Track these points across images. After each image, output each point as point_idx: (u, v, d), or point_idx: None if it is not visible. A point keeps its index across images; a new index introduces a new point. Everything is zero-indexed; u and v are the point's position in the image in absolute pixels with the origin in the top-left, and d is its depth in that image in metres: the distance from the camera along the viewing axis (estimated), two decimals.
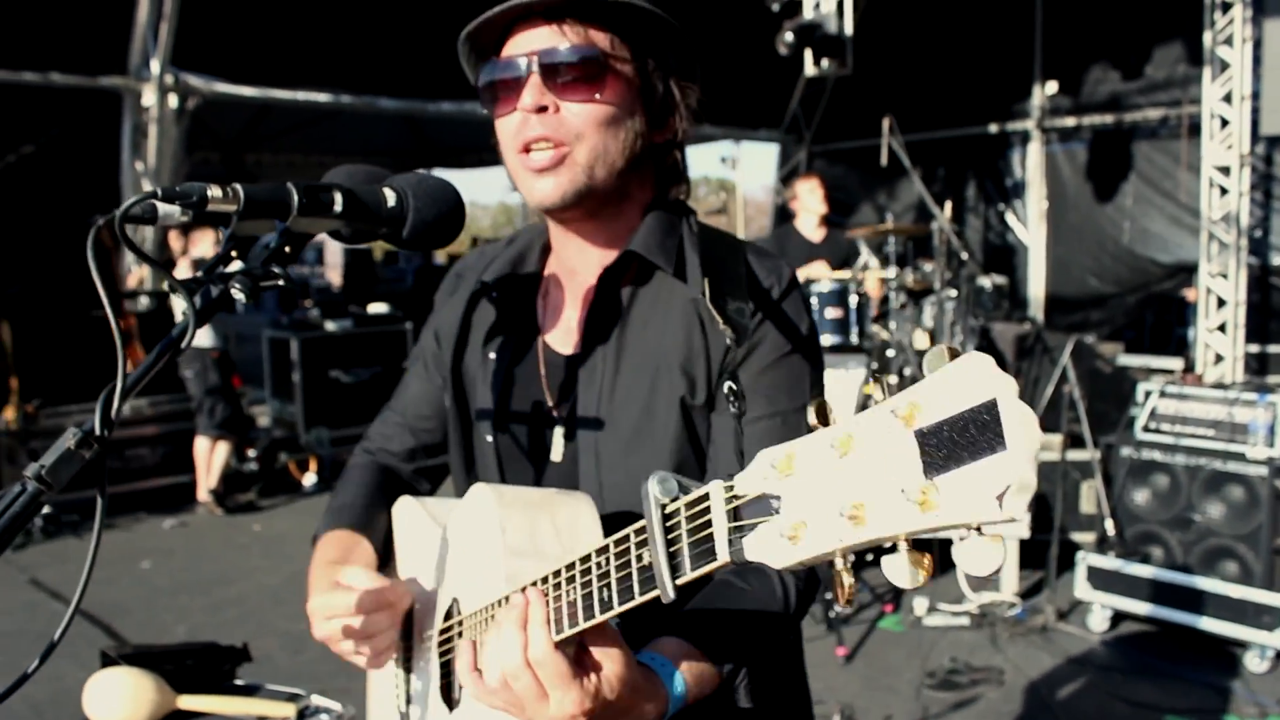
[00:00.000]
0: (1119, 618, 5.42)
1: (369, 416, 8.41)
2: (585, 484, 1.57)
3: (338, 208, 1.27)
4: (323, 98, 11.44)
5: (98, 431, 1.15)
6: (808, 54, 10.41)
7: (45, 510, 7.48)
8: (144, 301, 9.19)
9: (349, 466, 1.91)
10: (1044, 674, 4.95)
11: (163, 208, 1.20)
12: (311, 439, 8.98)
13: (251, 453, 8.82)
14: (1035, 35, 12.28)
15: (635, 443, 1.54)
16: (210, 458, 8.04)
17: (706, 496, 0.97)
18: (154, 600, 6.17)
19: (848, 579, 0.86)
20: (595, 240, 1.62)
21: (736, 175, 17.10)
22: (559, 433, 1.62)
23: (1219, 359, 9.34)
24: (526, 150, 1.50)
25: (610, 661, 1.20)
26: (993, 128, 12.97)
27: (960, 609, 5.56)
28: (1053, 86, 12.07)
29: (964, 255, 6.77)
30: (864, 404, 6.47)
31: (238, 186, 1.19)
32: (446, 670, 1.54)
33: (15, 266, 9.24)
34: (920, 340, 7.37)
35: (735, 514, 0.94)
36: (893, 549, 0.80)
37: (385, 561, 1.75)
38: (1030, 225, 12.81)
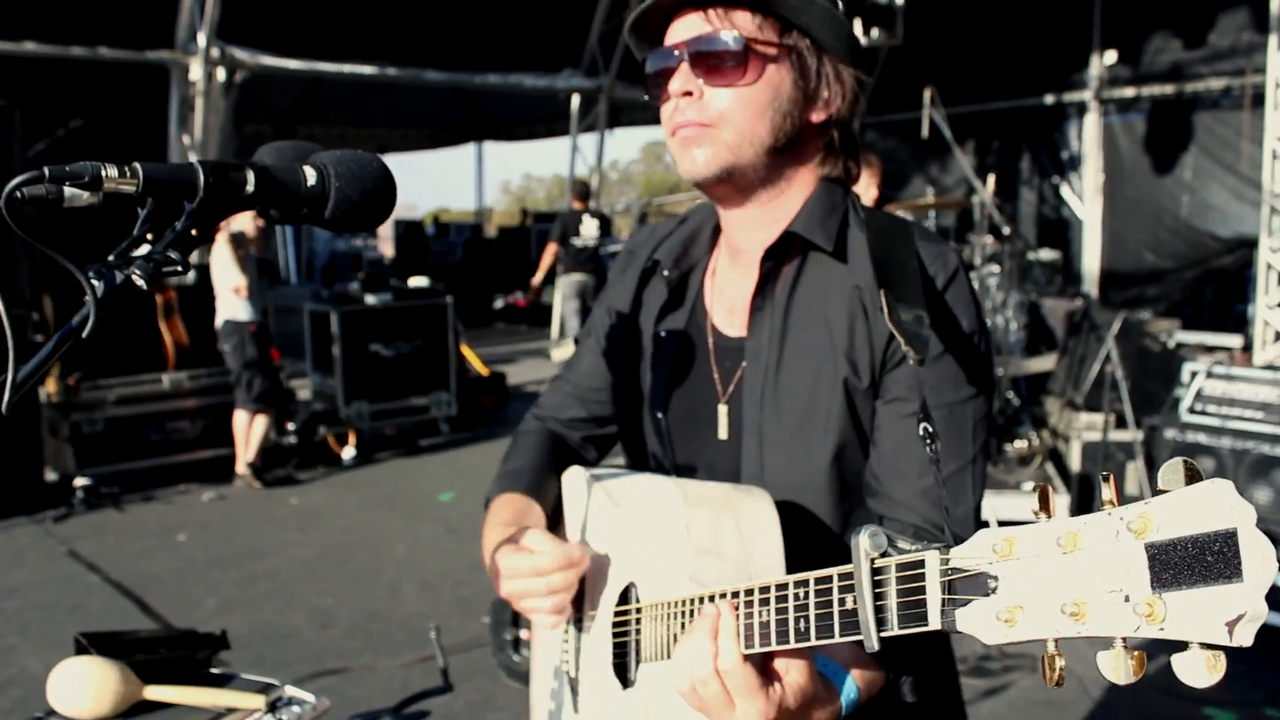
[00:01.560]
0: None
1: (409, 390, 8.45)
2: (748, 464, 1.60)
3: (250, 188, 1.20)
4: (369, 70, 11.44)
5: None
6: (857, 24, 10.22)
7: (85, 482, 7.56)
8: (190, 276, 9.25)
9: (520, 433, 1.96)
10: (1078, 660, 4.78)
11: (69, 190, 1.14)
12: (351, 412, 8.99)
13: (291, 426, 8.86)
14: (1094, 2, 11.95)
15: (799, 425, 1.56)
16: (249, 431, 8.08)
17: (921, 564, 1.02)
18: (187, 573, 6.20)
19: (1060, 662, 0.89)
20: (758, 221, 1.63)
21: None
22: (724, 412, 1.65)
23: (1279, 336, 9.05)
24: (677, 133, 1.56)
25: (794, 671, 1.25)
26: (1049, 99, 12.68)
27: None
28: (1111, 56, 11.77)
29: (1006, 230, 6.58)
30: None
31: (137, 165, 1.13)
32: (621, 650, 1.59)
33: (62, 241, 9.33)
34: None
35: (950, 586, 0.99)
36: (1184, 646, 0.81)
37: (554, 527, 1.80)
38: (1086, 199, 12.53)
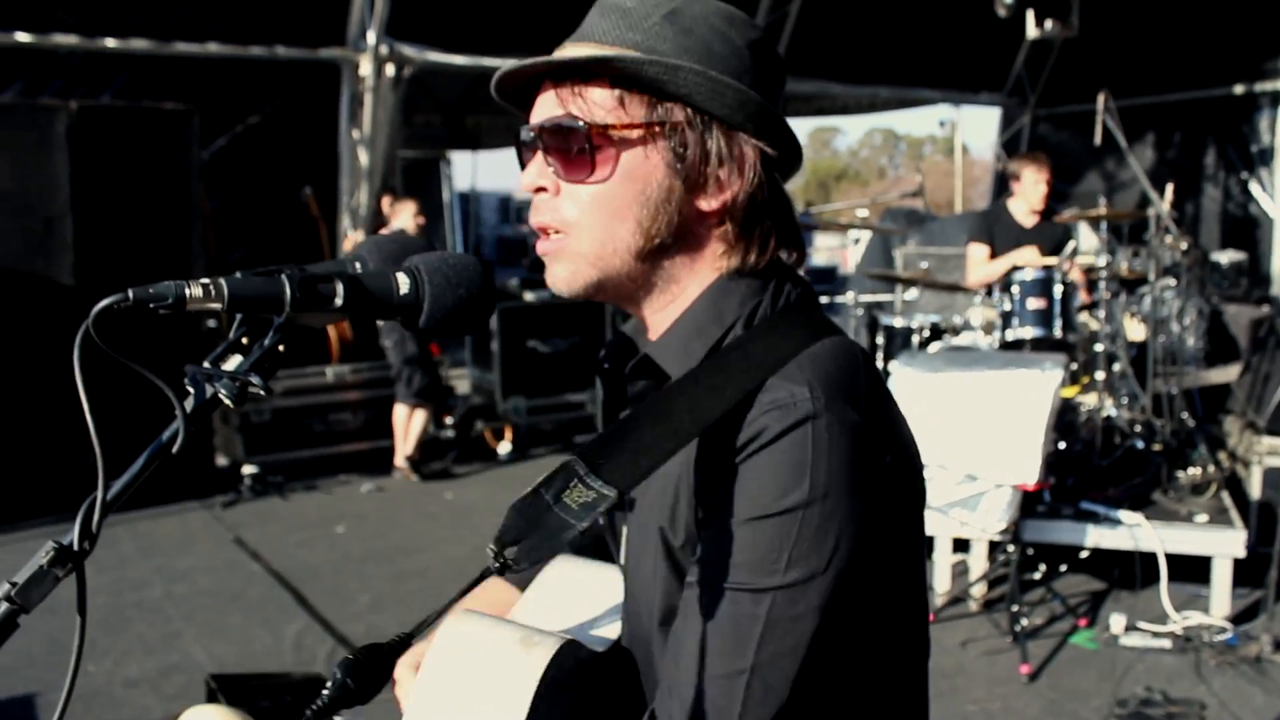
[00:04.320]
0: None
1: (565, 387, 8.54)
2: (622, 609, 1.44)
3: (338, 301, 1.17)
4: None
5: (75, 547, 1.08)
6: (1029, 15, 9.83)
7: (253, 470, 7.87)
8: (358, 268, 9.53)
9: None
10: (1252, 712, 4.52)
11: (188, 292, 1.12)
12: (508, 408, 9.12)
13: (449, 420, 9.03)
14: None
15: (648, 577, 1.31)
16: (408, 425, 8.27)
17: None
18: (343, 566, 6.38)
19: None
20: (652, 331, 1.38)
21: (958, 138, 16.48)
22: (625, 533, 1.43)
23: None
24: (545, 233, 1.32)
25: None
26: (1238, 89, 11.92)
27: (1162, 629, 5.14)
28: None
29: (1184, 245, 6.20)
30: (1062, 409, 6.07)
31: (221, 281, 1.11)
32: None
33: (240, 232, 9.76)
34: (1134, 330, 6.84)
35: None
36: None
37: None
38: (1277, 196, 11.77)
